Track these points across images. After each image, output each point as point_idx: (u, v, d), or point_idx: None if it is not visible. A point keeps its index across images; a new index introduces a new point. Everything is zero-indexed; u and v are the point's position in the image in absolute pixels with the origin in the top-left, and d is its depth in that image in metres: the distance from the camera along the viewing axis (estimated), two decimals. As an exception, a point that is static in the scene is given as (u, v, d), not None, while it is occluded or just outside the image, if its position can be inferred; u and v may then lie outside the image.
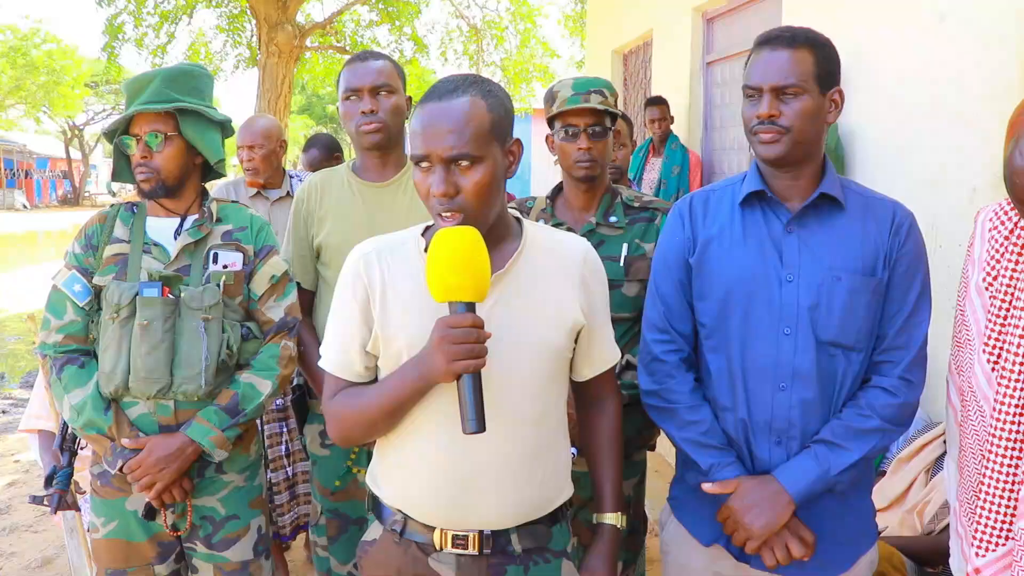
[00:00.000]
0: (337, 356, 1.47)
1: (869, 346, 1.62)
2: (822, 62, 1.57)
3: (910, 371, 1.61)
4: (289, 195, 3.42)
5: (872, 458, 1.62)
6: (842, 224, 1.61)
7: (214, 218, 2.00)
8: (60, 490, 2.10)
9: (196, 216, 1.99)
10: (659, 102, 5.54)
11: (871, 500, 1.75)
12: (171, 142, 1.91)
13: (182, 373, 1.87)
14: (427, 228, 1.49)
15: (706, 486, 1.62)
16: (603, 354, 1.58)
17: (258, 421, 2.10)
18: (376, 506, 1.54)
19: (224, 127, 2.01)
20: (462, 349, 1.26)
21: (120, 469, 1.87)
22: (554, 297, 1.45)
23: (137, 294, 1.86)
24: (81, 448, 2.17)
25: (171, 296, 1.88)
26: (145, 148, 1.89)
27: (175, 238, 1.96)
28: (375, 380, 1.49)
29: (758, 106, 1.57)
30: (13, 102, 30.34)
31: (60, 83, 29.46)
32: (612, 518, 1.58)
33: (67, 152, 38.28)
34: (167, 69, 1.95)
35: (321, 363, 1.50)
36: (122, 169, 1.99)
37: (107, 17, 12.37)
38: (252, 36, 12.95)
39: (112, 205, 2.04)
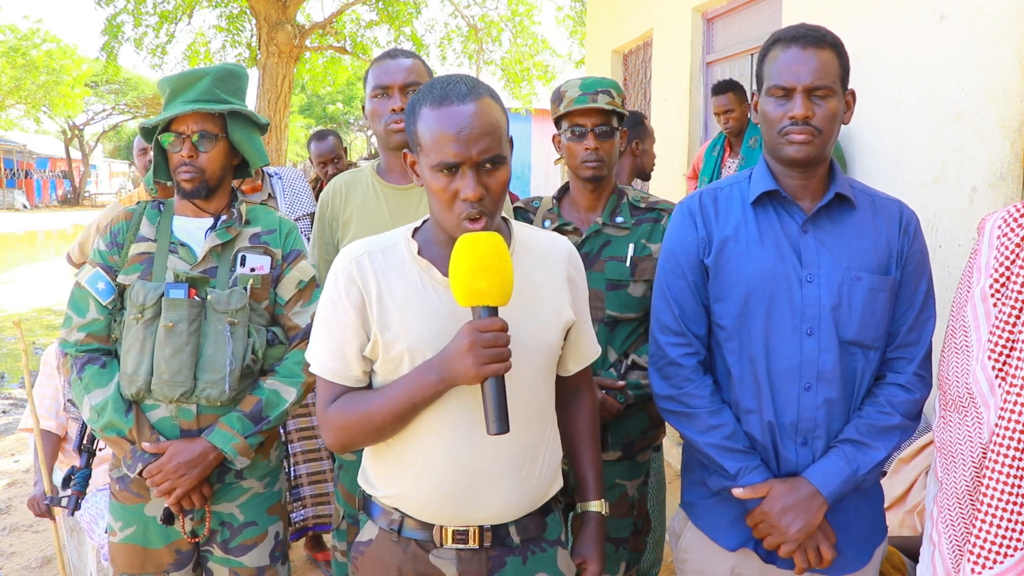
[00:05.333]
0: (333, 362, 1.44)
1: (884, 344, 1.63)
2: (843, 63, 1.58)
3: (923, 367, 1.64)
4: (271, 196, 3.31)
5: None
6: (854, 223, 1.62)
7: (243, 220, 1.97)
8: (78, 491, 2.08)
9: (225, 217, 1.96)
10: (728, 88, 4.32)
11: (881, 490, 1.77)
12: (218, 143, 1.88)
13: (206, 377, 1.83)
14: (416, 230, 1.48)
15: (737, 491, 1.61)
16: (589, 349, 1.62)
17: (280, 427, 2.05)
18: (369, 506, 1.54)
19: (263, 130, 1.98)
20: (491, 353, 1.28)
21: (140, 473, 1.84)
22: (547, 296, 1.48)
23: (163, 295, 1.82)
24: (100, 449, 2.14)
25: (197, 298, 1.84)
26: (192, 147, 1.86)
27: (205, 238, 1.92)
28: (369, 385, 1.48)
29: (787, 106, 1.55)
30: (13, 102, 30.27)
31: (60, 83, 29.33)
32: (596, 505, 1.62)
33: (67, 152, 38.22)
34: (217, 68, 1.92)
35: (313, 369, 1.48)
36: (159, 165, 1.94)
37: (106, 17, 12.35)
38: (252, 36, 12.94)
39: (138, 202, 2.00)
